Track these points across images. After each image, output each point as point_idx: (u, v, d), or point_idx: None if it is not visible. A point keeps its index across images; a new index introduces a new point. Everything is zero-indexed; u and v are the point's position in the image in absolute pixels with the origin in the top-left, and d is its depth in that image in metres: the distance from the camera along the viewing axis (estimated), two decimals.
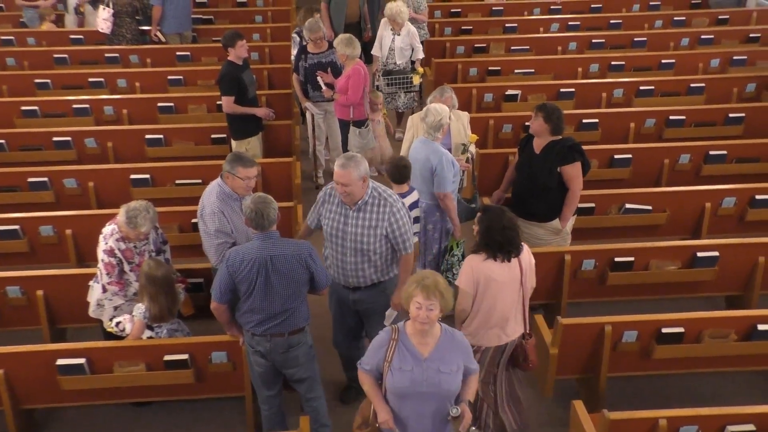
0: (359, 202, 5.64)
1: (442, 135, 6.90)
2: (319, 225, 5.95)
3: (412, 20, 11.01)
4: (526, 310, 5.63)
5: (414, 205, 6.73)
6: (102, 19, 11.45)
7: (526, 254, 5.57)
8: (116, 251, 5.93)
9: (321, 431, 5.90)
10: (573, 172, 6.81)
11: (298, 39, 10.19)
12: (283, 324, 5.43)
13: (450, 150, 7.24)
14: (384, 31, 10.29)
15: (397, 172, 6.67)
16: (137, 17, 11.67)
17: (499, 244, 5.36)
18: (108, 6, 11.37)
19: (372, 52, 10.48)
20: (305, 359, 5.63)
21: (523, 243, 5.54)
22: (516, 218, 5.57)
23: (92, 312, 6.19)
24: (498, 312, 5.44)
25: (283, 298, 5.34)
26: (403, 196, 6.47)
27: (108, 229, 5.98)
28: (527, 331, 5.67)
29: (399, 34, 10.18)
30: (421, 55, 10.42)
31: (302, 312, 5.51)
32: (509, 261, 5.41)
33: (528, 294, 5.59)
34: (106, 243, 5.94)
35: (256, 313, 5.38)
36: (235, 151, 6.25)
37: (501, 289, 5.40)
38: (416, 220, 6.80)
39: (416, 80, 10.21)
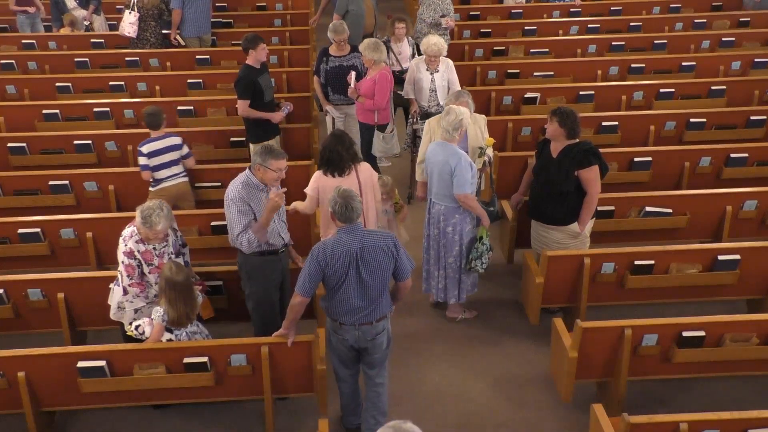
0: None
1: (459, 136, 6.89)
2: None
3: (441, 27, 10.88)
4: (371, 222, 6.73)
5: (174, 148, 7.86)
6: (128, 23, 11.51)
7: (367, 172, 6.69)
8: (135, 253, 5.96)
9: (380, 419, 5.89)
10: (590, 175, 6.78)
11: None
12: (372, 313, 5.59)
13: (467, 153, 7.22)
14: (419, 73, 9.10)
15: (150, 118, 7.79)
16: (161, 20, 11.77)
17: (329, 162, 6.56)
18: (133, 10, 11.44)
19: (406, 96, 9.30)
20: (387, 343, 5.81)
21: (363, 162, 6.74)
22: (351, 142, 6.67)
23: (113, 315, 6.22)
24: None
25: (372, 288, 5.48)
26: (159, 138, 7.81)
27: (127, 231, 6.01)
28: None
29: (437, 71, 9.05)
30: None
31: (387, 299, 5.69)
32: (344, 176, 6.54)
33: (371, 205, 6.71)
34: (126, 245, 5.97)
35: (346, 303, 5.51)
36: (264, 145, 6.31)
37: None
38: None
39: None
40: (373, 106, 8.79)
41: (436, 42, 8.87)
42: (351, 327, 5.58)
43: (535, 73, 10.97)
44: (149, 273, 6.04)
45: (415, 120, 9.22)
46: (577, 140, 6.87)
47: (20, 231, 7.37)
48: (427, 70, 9.07)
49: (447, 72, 9.11)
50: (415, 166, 8.62)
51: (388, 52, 9.81)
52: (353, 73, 8.92)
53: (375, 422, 5.88)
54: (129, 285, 6.02)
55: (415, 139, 9.20)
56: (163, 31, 11.89)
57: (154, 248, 6.02)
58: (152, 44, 11.69)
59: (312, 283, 5.45)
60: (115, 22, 12.48)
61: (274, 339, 5.88)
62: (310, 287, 5.46)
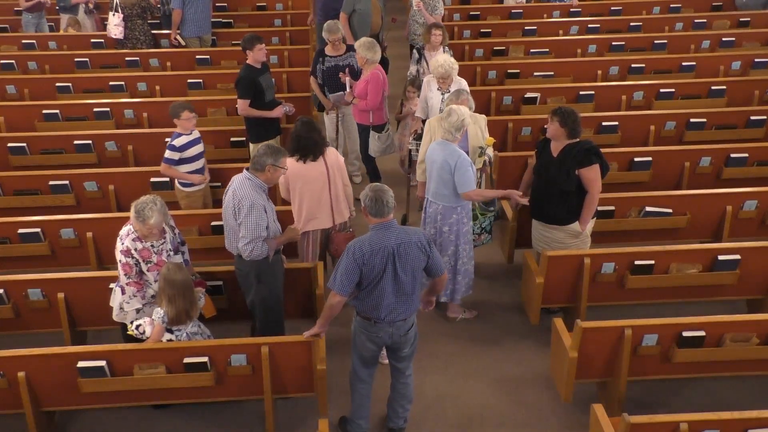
0: None
1: (460, 136, 6.88)
2: None
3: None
4: (341, 205, 7.07)
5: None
6: (114, 26, 11.55)
7: (333, 156, 6.96)
8: (133, 251, 5.94)
9: (407, 407, 6.12)
10: (591, 175, 6.78)
11: (417, 55, 9.90)
12: (407, 310, 5.64)
13: (467, 153, 7.22)
14: (429, 91, 8.47)
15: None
16: (147, 19, 11.81)
17: (304, 149, 6.83)
18: (117, 11, 11.45)
19: (417, 114, 8.69)
20: (415, 338, 5.88)
21: (331, 149, 7.02)
22: (319, 128, 6.98)
23: (116, 316, 6.21)
24: (313, 200, 6.91)
25: (406, 285, 5.51)
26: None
27: (124, 229, 6.01)
28: (335, 224, 7.10)
29: (449, 91, 8.26)
30: None
31: (418, 294, 5.73)
32: (315, 161, 6.85)
33: (340, 189, 7.02)
34: (123, 243, 5.96)
35: (383, 299, 5.50)
36: (268, 144, 6.30)
37: (309, 183, 6.86)
38: None
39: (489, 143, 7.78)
40: (366, 106, 8.78)
41: (442, 63, 8.24)
42: (386, 324, 5.60)
43: (535, 73, 10.97)
44: (148, 271, 6.03)
45: (409, 141, 8.79)
46: (578, 139, 6.87)
47: (20, 231, 7.37)
48: (438, 89, 8.43)
49: None
50: (411, 189, 8.71)
51: (420, 61, 9.78)
52: (348, 75, 8.91)
53: (403, 410, 6.09)
54: (126, 284, 6.01)
55: (411, 162, 8.66)
56: (153, 31, 11.96)
57: (152, 246, 6.01)
58: (142, 42, 11.72)
59: (350, 281, 5.39)
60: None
61: (274, 339, 5.88)
62: (348, 285, 5.41)
